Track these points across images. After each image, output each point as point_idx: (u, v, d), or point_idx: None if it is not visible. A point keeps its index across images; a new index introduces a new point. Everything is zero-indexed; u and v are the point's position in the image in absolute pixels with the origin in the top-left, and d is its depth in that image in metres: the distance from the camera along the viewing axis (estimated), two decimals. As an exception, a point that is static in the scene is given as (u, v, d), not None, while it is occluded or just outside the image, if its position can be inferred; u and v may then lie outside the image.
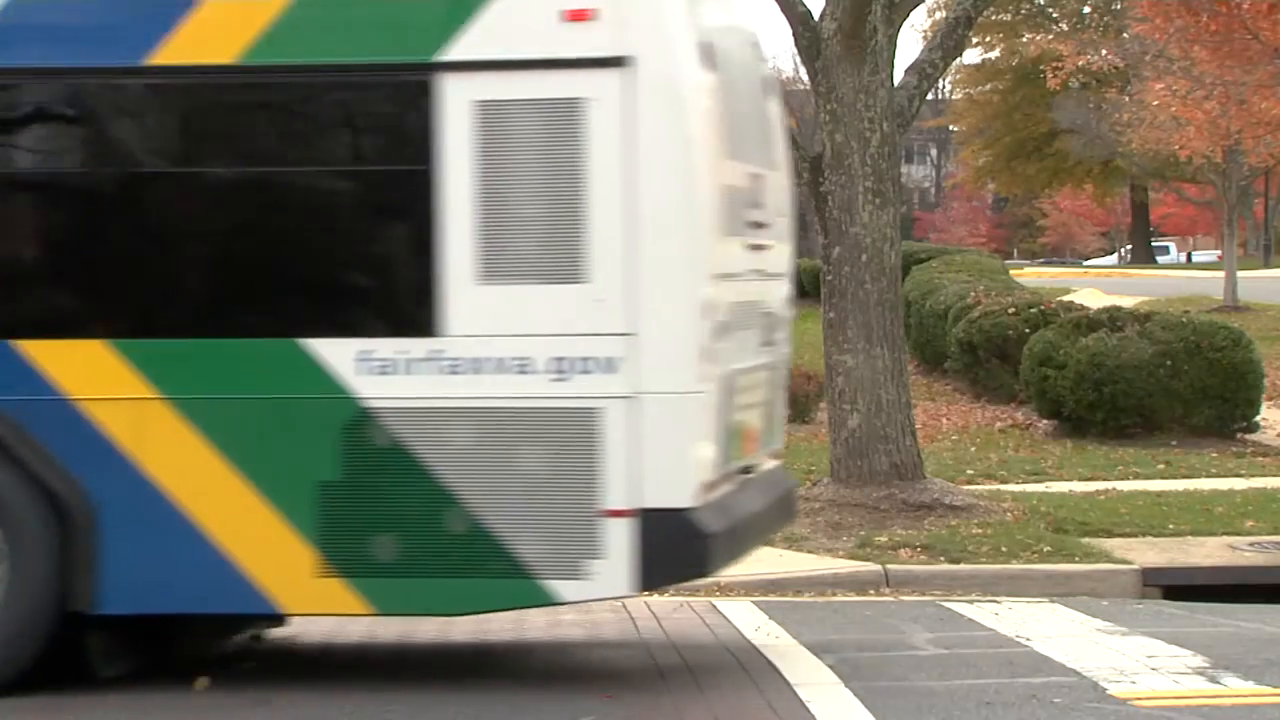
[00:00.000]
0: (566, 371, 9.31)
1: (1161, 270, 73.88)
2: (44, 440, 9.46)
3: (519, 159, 9.34)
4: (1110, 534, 15.45)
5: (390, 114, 9.70)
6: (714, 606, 12.67)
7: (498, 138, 9.33)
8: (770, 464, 11.01)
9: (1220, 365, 22.61)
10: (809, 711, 9.18)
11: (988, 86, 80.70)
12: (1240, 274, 45.15)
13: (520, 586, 9.33)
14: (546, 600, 9.47)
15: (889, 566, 14.15)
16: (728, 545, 9.58)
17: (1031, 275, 57.29)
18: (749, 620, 12.02)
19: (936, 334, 30.48)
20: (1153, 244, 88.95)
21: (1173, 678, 9.98)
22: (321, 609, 9.93)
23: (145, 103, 9.73)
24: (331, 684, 10.07)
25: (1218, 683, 9.86)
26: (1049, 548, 14.63)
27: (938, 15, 65.61)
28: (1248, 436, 22.73)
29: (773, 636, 11.45)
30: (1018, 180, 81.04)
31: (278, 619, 10.83)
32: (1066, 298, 30.75)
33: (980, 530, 15.11)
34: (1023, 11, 75.86)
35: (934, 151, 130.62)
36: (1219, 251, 67.05)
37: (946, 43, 16.93)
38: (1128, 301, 34.19)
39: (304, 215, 9.73)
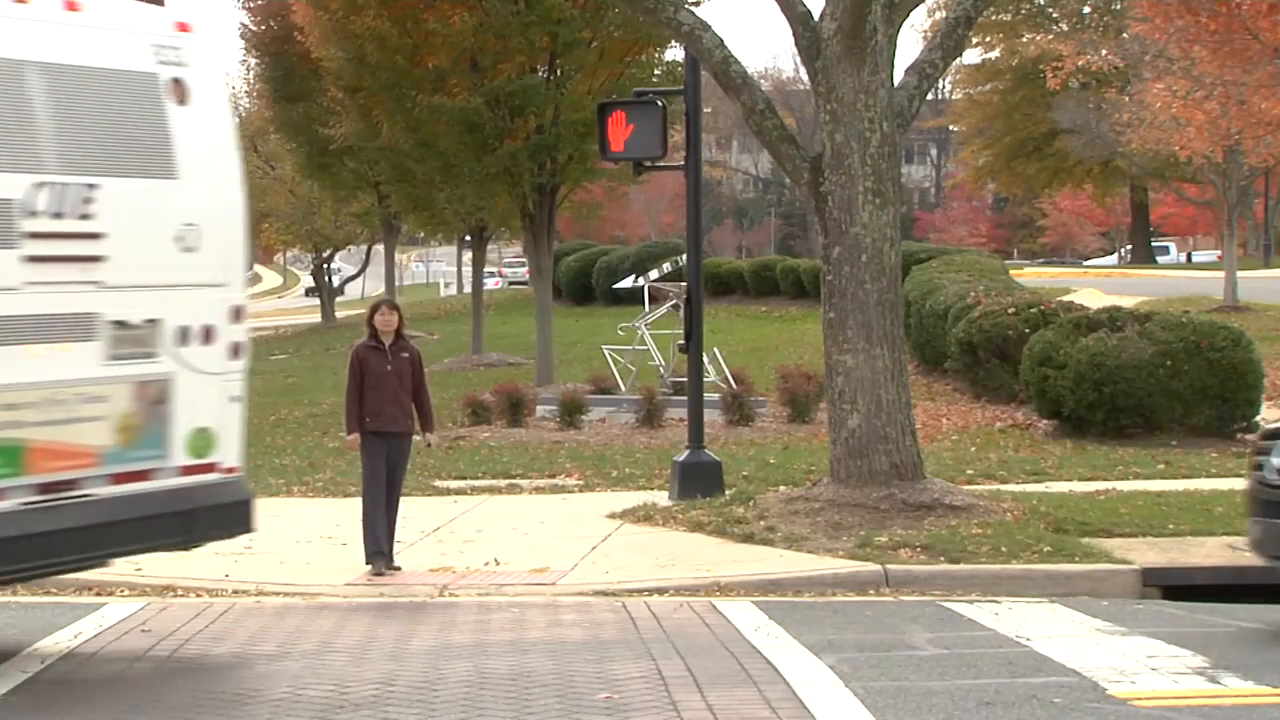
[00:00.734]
0: None
1: (1161, 270, 73.88)
2: None
3: None
4: (1110, 534, 15.45)
5: None
6: (714, 607, 12.68)
7: None
8: (149, 483, 10.75)
9: (1220, 365, 22.62)
10: (809, 711, 9.19)
11: (988, 86, 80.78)
12: (1240, 274, 45.16)
13: None
14: None
15: (889, 566, 14.16)
16: None
17: (1031, 275, 57.30)
18: (749, 620, 12.03)
19: (936, 334, 30.49)
20: (1153, 244, 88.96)
21: (1173, 678, 9.99)
22: None
23: None
24: (331, 680, 10.07)
25: (1218, 683, 9.87)
26: (1049, 548, 14.62)
27: (938, 15, 65.66)
28: (1248, 436, 22.67)
29: (773, 636, 11.45)
30: (1018, 180, 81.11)
31: None
32: (1066, 298, 30.74)
33: (980, 530, 15.11)
34: (1023, 11, 75.89)
35: (934, 151, 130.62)
36: (1219, 251, 67.07)
37: (946, 43, 16.93)
38: (1128, 301, 34.20)
39: None
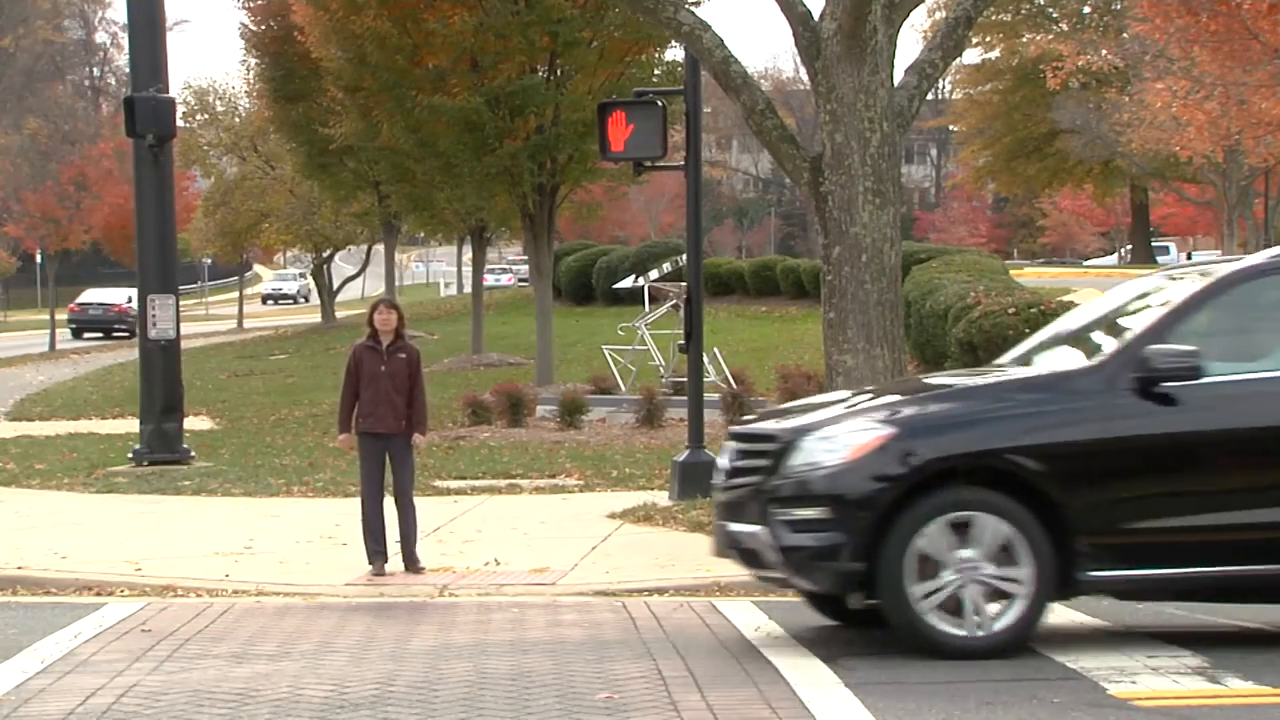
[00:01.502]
0: None
1: (1161, 270, 73.69)
2: None
3: None
4: (1110, 534, 15.41)
5: None
6: (714, 607, 12.68)
7: None
8: None
9: (1220, 365, 22.56)
10: (809, 711, 9.19)
11: (988, 86, 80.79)
12: (1240, 274, 45.05)
13: None
14: None
15: (889, 566, 14.11)
16: None
17: (1031, 275, 57.23)
18: (749, 620, 12.03)
19: (936, 334, 30.47)
20: (1153, 244, 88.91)
21: (1173, 678, 9.98)
22: None
23: None
24: (331, 680, 10.07)
25: (1218, 683, 9.86)
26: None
27: (938, 15, 65.64)
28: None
29: (773, 636, 11.45)
30: (1018, 180, 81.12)
31: None
32: (1066, 298, 30.71)
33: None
34: (1023, 11, 75.89)
35: (934, 151, 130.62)
36: (1219, 251, 66.99)
37: (946, 43, 16.92)
38: (1128, 301, 34.10)
39: None
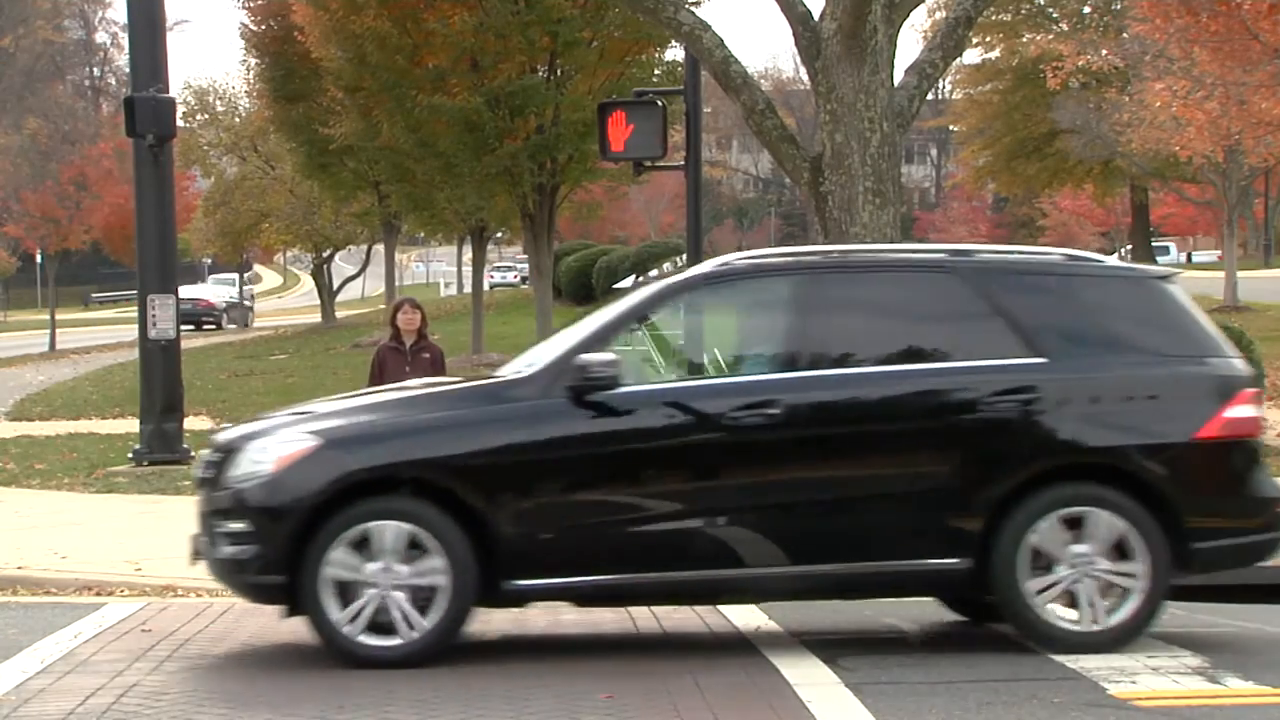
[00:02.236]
0: None
1: (1161, 270, 73.64)
2: None
3: None
4: (1110, 534, 15.42)
5: None
6: (714, 606, 12.67)
7: None
8: None
9: (1220, 365, 22.55)
10: (809, 711, 9.19)
11: (988, 86, 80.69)
12: (1240, 274, 45.17)
13: None
14: None
15: (889, 566, 14.11)
16: None
17: (1031, 275, 57.09)
18: (749, 620, 12.03)
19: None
20: (1153, 244, 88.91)
21: (1173, 678, 9.98)
22: None
23: None
24: (331, 680, 10.07)
25: (1218, 683, 9.87)
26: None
27: (938, 15, 65.63)
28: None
29: (773, 636, 11.45)
30: (1018, 180, 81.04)
31: None
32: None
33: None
34: (1023, 11, 75.81)
35: (934, 151, 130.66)
36: (1219, 251, 67.06)
37: (946, 43, 16.92)
38: (1128, 301, 34.05)
39: None
